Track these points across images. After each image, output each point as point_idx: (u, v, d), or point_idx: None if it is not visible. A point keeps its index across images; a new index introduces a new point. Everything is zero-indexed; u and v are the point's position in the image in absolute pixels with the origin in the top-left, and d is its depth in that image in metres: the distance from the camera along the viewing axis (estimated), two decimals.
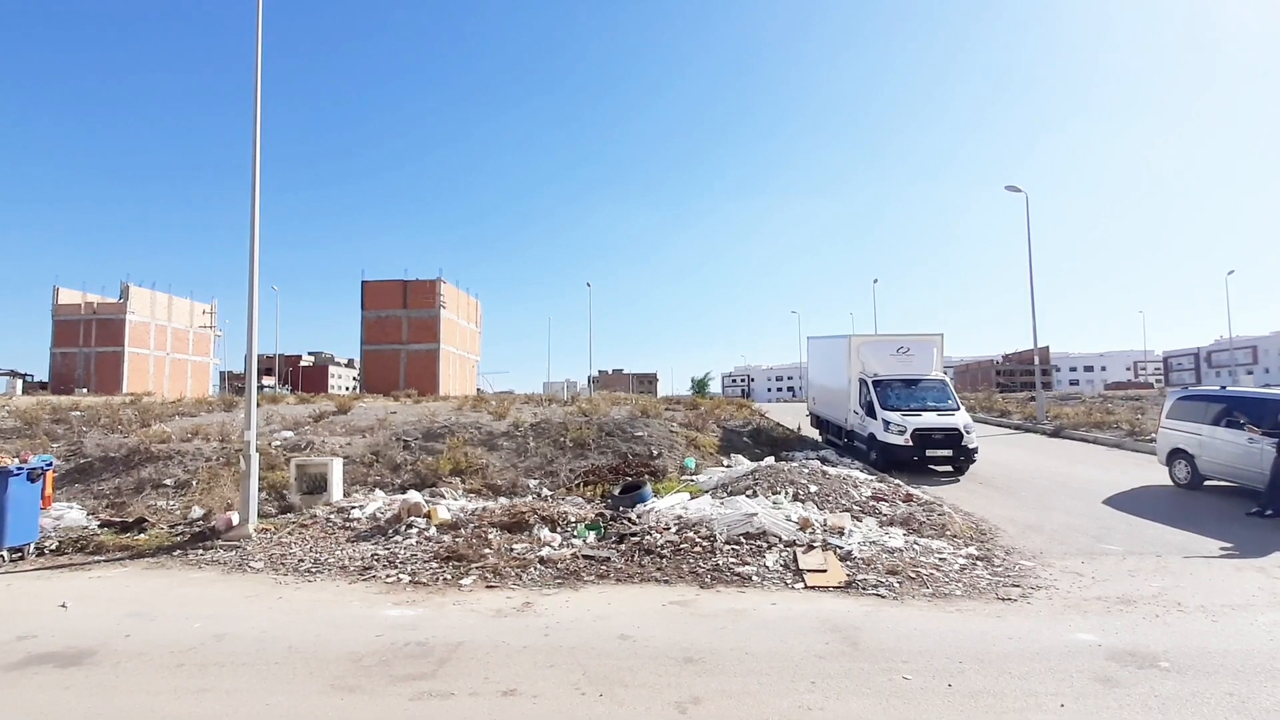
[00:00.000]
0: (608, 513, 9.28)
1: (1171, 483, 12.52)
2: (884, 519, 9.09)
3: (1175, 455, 12.55)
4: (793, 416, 23.42)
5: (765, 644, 5.25)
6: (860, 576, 6.93)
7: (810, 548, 7.65)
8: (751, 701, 4.30)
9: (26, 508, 8.27)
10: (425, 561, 7.69)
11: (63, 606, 6.39)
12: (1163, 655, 4.97)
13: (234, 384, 70.97)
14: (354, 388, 69.71)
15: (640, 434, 14.80)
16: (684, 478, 12.40)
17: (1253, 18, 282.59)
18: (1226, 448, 11.34)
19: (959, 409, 14.79)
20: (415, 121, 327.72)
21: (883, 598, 6.43)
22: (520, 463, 13.18)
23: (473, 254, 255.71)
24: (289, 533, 9.00)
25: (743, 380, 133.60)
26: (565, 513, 9.10)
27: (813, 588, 6.70)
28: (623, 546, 7.95)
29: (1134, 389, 56.96)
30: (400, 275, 52.05)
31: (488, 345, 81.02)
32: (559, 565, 7.41)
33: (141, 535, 9.14)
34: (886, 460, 13.99)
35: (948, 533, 8.53)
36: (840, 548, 7.66)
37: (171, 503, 10.96)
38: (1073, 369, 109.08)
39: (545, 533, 8.51)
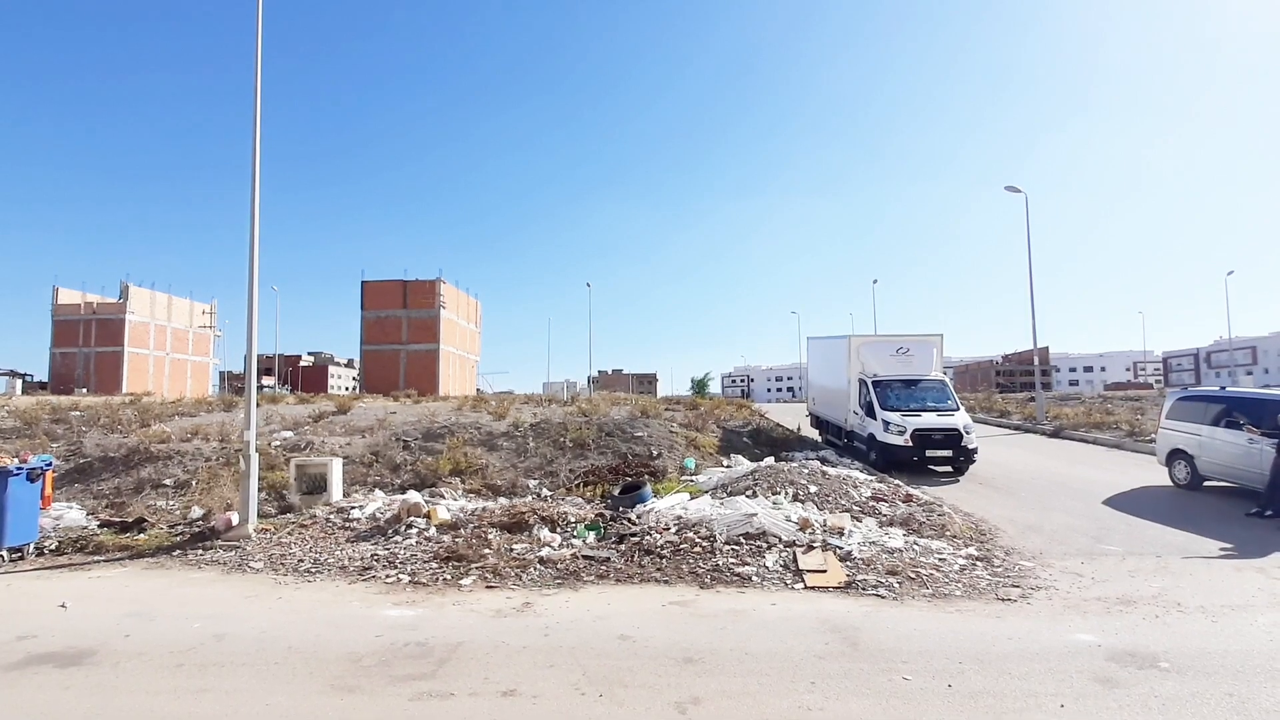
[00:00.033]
0: (607, 513, 9.28)
1: (1171, 483, 12.52)
2: (884, 519, 9.10)
3: (1175, 456, 12.56)
4: (792, 417, 23.42)
5: (765, 644, 5.25)
6: (860, 577, 6.93)
7: (810, 548, 7.65)
8: (751, 702, 4.30)
9: (26, 508, 8.27)
10: (425, 562, 7.69)
11: (62, 606, 6.39)
12: (1162, 656, 4.98)
13: (234, 384, 70.98)
14: (354, 388, 69.69)
15: (640, 434, 14.80)
16: (684, 478, 12.40)
17: (1253, 18, 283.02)
18: (1226, 448, 11.34)
19: (959, 409, 14.80)
20: (415, 121, 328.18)
21: (882, 598, 6.43)
22: (520, 463, 13.18)
23: (473, 254, 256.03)
24: (289, 533, 8.99)
25: (742, 380, 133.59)
26: (565, 513, 9.10)
27: (813, 588, 6.70)
28: (622, 547, 7.95)
29: (1133, 389, 56.99)
30: (400, 275, 52.11)
31: (488, 345, 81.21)
32: (559, 565, 7.41)
33: (141, 535, 9.14)
34: (886, 460, 13.99)
35: (947, 533, 8.53)
36: (840, 548, 7.66)
37: (171, 503, 10.96)
38: (1072, 369, 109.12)
39: (545, 533, 8.51)
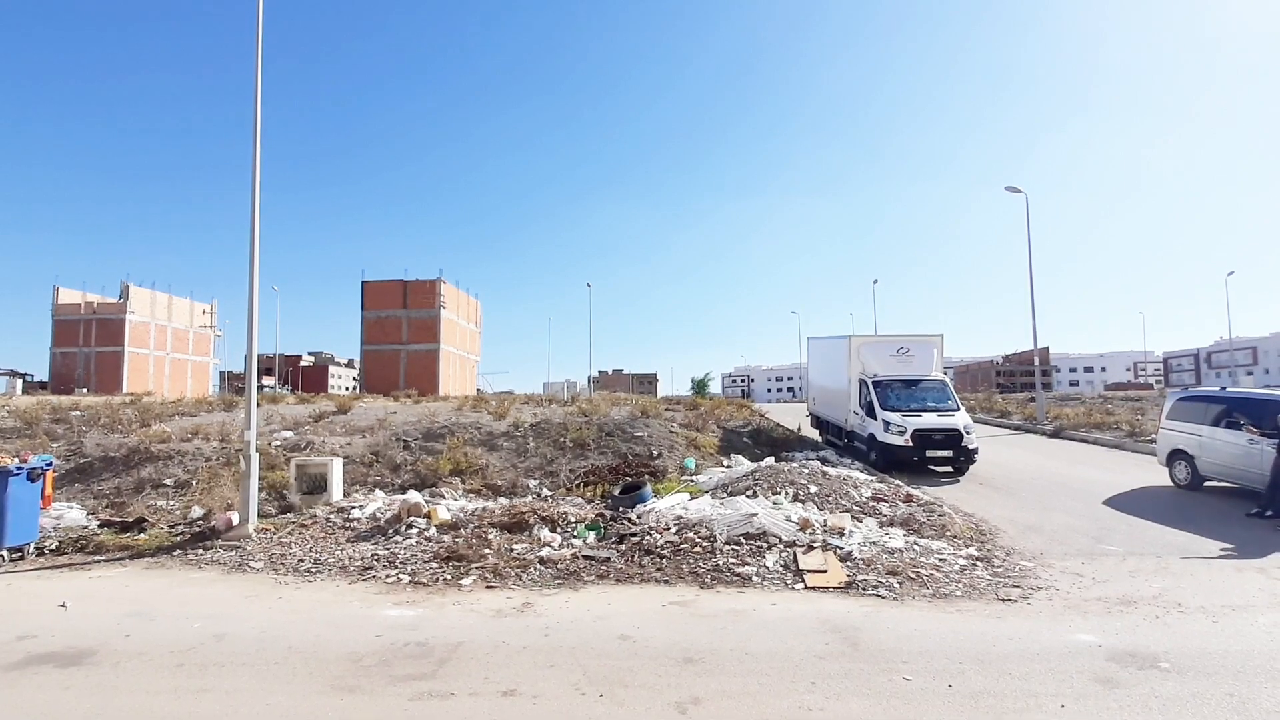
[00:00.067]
0: (608, 513, 9.28)
1: (1171, 483, 12.51)
2: (884, 519, 9.09)
3: (1175, 456, 12.55)
4: (793, 417, 23.41)
5: (765, 644, 5.25)
6: (860, 577, 6.92)
7: (810, 548, 7.65)
8: (751, 702, 4.30)
9: (26, 507, 8.26)
10: (425, 562, 7.68)
11: (63, 606, 6.39)
12: (1163, 656, 4.97)
13: (234, 384, 70.98)
14: (354, 388, 69.71)
15: (640, 434, 14.79)
16: (684, 478, 12.40)
17: (1253, 18, 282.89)
18: (1226, 448, 11.33)
19: (959, 409, 14.79)
20: (415, 121, 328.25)
21: (883, 598, 6.43)
22: (520, 463, 13.18)
23: (473, 254, 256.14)
24: (289, 533, 8.99)
25: (742, 381, 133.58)
26: (565, 513, 9.10)
27: (813, 588, 6.70)
28: (623, 547, 7.95)
29: (1134, 390, 56.99)
30: (400, 275, 52.12)
31: (488, 345, 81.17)
32: (559, 565, 7.41)
33: (141, 535, 9.14)
34: (886, 461, 13.99)
35: (948, 533, 8.53)
36: (840, 548, 7.66)
37: (171, 503, 10.96)
38: (1073, 369, 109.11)
39: (545, 533, 8.50)
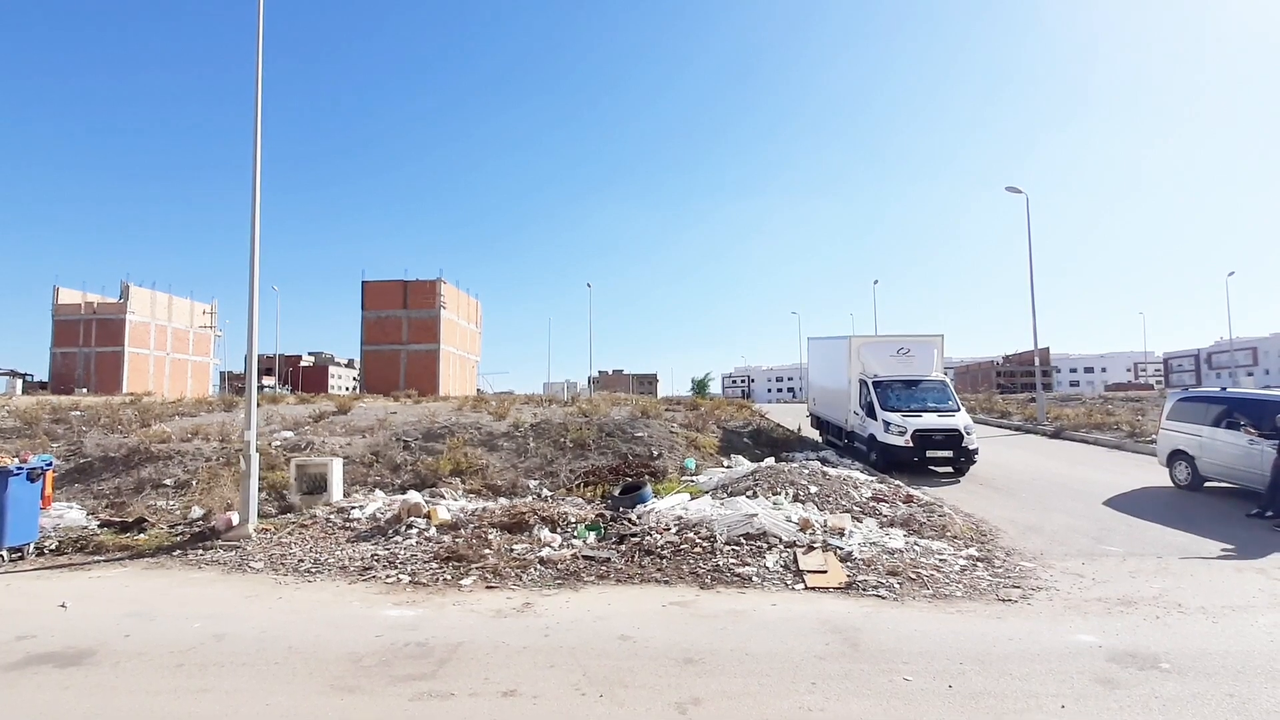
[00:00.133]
0: (608, 513, 9.27)
1: (1172, 484, 12.51)
2: (884, 520, 9.09)
3: (1175, 456, 12.55)
4: (793, 417, 23.41)
5: (765, 645, 5.24)
6: (861, 577, 6.92)
7: (810, 549, 7.64)
8: (752, 702, 4.30)
9: (26, 508, 8.26)
10: (425, 562, 7.68)
11: (62, 606, 6.39)
12: (1163, 656, 4.97)
13: (234, 384, 70.98)
14: (354, 388, 69.72)
15: (640, 435, 14.79)
16: (684, 478, 12.40)
17: (1252, 18, 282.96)
18: (1227, 449, 11.33)
19: (959, 410, 14.79)
20: (415, 121, 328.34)
21: (883, 599, 6.43)
22: (520, 463, 13.18)
23: (473, 254, 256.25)
24: (289, 533, 8.99)
25: (743, 381, 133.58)
26: (565, 513, 9.10)
27: (813, 589, 6.69)
28: (623, 547, 7.95)
29: (1134, 390, 57.00)
30: (400, 275, 52.13)
31: (488, 345, 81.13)
32: (559, 566, 7.40)
33: (141, 535, 9.13)
34: (887, 461, 13.98)
35: (948, 534, 8.52)
36: (840, 549, 7.65)
37: (171, 503, 10.95)
38: (1073, 370, 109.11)
39: (545, 533, 8.50)
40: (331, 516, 9.65)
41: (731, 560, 7.39)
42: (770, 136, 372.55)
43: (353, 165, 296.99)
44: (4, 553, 8.07)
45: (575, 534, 8.53)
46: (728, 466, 13.48)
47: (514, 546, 8.06)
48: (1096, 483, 12.99)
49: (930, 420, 14.12)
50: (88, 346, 51.11)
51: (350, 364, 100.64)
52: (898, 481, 12.07)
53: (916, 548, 7.95)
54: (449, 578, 7.15)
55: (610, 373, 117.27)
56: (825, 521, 8.54)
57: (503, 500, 10.98)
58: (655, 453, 13.83)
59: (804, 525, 8.23)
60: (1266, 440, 10.33)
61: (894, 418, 14.18)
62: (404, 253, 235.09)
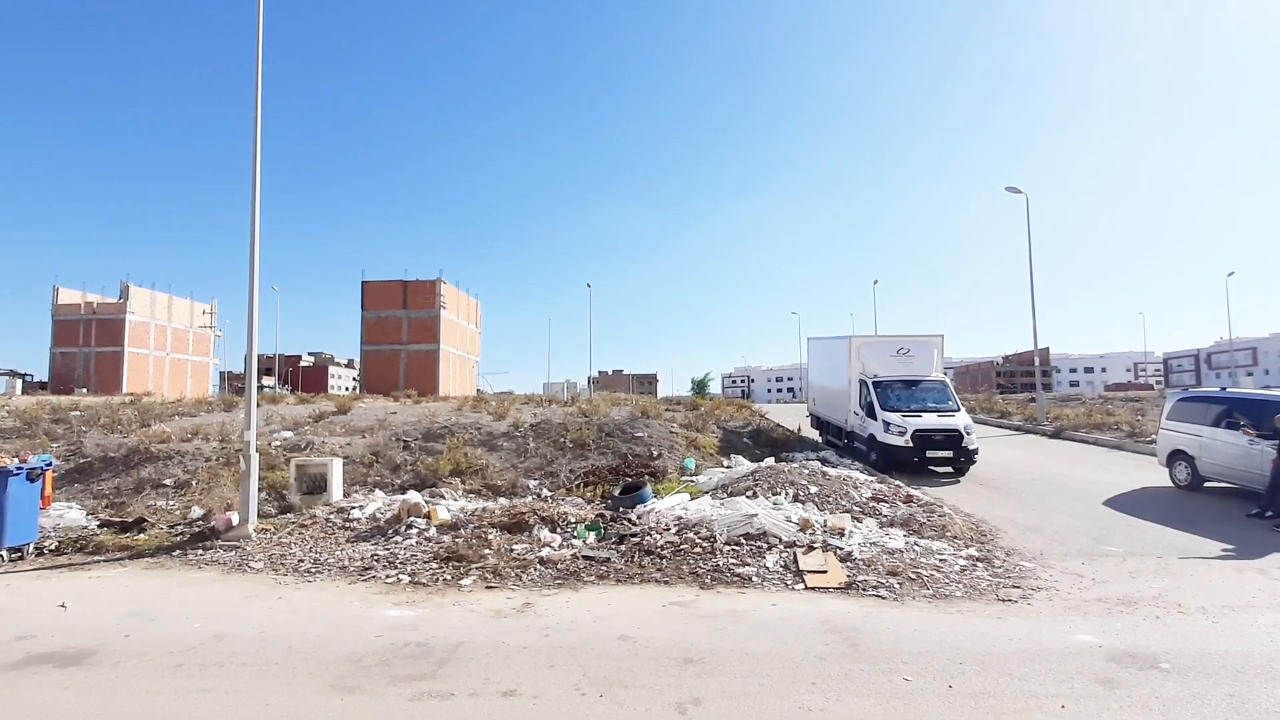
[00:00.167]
0: (608, 513, 9.27)
1: (1172, 484, 12.51)
2: (884, 520, 9.09)
3: (1175, 457, 12.55)
4: (793, 417, 23.41)
5: (765, 645, 5.24)
6: (861, 577, 6.92)
7: (810, 549, 7.64)
8: (752, 702, 4.30)
9: (26, 508, 8.26)
10: (425, 562, 7.68)
11: (62, 606, 6.39)
12: (1163, 656, 4.97)
13: (234, 384, 70.97)
14: (354, 388, 69.69)
15: (640, 435, 14.79)
16: (684, 478, 12.40)
17: (1252, 18, 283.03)
18: (1227, 449, 11.33)
19: (959, 410, 14.79)
20: (415, 121, 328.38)
21: (883, 599, 6.43)
22: (520, 463, 13.18)
23: (473, 254, 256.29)
24: (289, 533, 8.99)
25: (743, 381, 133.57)
26: (565, 513, 9.10)
27: (813, 589, 6.70)
28: (623, 547, 7.95)
29: (1134, 390, 57.01)
30: (400, 275, 52.15)
31: (488, 345, 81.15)
32: (559, 566, 7.40)
33: (141, 535, 9.13)
34: (887, 461, 13.98)
35: (948, 534, 8.53)
36: (840, 549, 7.65)
37: (171, 503, 10.96)
38: (1073, 370, 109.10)
39: (545, 533, 8.50)
40: (331, 516, 9.65)
41: (731, 560, 7.39)
42: (770, 136, 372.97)
43: (353, 165, 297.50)
44: (4, 553, 8.07)
45: (575, 534, 8.53)
46: (728, 467, 13.48)
47: (514, 546, 8.06)
48: (1096, 483, 12.99)
49: (930, 420, 14.12)
50: (87, 346, 51.11)
51: (350, 364, 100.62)
52: (898, 481, 12.07)
53: (916, 548, 7.96)
54: (449, 578, 7.15)
55: (610, 373, 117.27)
56: (825, 521, 8.54)
57: (503, 500, 10.98)
58: (655, 453, 13.83)
59: (804, 525, 8.23)
60: (1266, 440, 10.33)
61: (894, 418, 14.18)
62: (404, 253, 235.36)
